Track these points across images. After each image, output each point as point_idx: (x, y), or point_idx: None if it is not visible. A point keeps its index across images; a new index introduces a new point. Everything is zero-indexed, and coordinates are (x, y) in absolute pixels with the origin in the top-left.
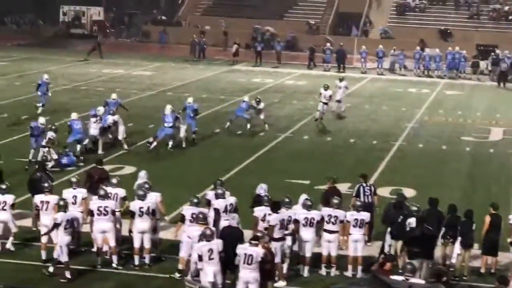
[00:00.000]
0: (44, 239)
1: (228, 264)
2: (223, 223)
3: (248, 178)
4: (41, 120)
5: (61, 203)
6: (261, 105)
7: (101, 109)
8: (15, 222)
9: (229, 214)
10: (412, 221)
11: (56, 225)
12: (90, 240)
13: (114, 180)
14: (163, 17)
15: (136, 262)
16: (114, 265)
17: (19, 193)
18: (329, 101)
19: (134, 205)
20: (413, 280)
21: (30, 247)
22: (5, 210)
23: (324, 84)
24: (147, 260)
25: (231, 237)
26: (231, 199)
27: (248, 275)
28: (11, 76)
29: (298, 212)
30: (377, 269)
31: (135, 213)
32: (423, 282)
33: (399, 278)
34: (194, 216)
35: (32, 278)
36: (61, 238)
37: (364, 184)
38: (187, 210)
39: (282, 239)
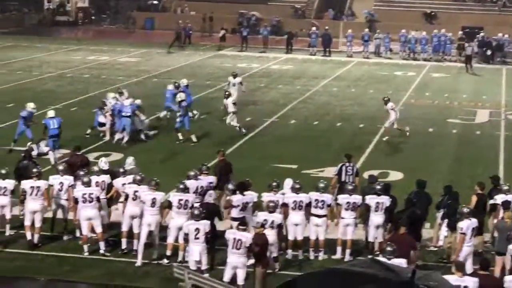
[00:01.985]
0: (27, 222)
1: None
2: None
3: (235, 163)
4: (31, 105)
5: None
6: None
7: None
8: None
9: (198, 196)
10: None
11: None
12: (75, 227)
13: (103, 165)
14: (154, 1)
15: (124, 245)
16: (101, 251)
17: None
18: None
19: (129, 188)
20: (395, 261)
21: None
22: (6, 195)
23: (225, 91)
24: (135, 246)
25: (207, 212)
26: (203, 182)
27: (236, 260)
28: None
29: (286, 195)
30: (392, 236)
31: (129, 196)
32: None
33: (399, 261)
34: (181, 202)
35: (24, 266)
36: None
37: (347, 164)
38: (174, 197)
39: (240, 219)
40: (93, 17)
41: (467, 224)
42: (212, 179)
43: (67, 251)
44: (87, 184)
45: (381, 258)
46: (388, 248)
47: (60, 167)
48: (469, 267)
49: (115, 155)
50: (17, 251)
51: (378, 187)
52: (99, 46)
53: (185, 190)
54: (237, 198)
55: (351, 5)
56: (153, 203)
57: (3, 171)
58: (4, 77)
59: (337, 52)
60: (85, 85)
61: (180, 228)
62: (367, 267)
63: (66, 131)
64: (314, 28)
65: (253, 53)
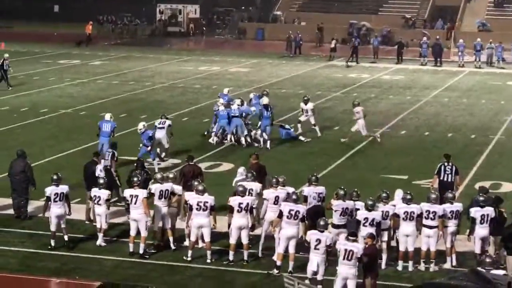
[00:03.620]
0: (131, 232)
1: None
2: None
3: (345, 174)
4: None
5: (54, 177)
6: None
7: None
8: (107, 218)
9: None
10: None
11: (47, 198)
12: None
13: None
14: (278, 12)
15: (231, 257)
16: (208, 260)
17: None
18: None
19: (234, 200)
20: (494, 272)
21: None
22: (100, 204)
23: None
24: (245, 257)
25: (315, 214)
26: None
27: (347, 271)
28: (110, 75)
29: (397, 206)
30: None
31: (234, 209)
32: None
33: (499, 272)
34: (291, 212)
35: (136, 274)
36: (52, 210)
37: (446, 163)
38: (285, 206)
39: (341, 226)
40: (204, 28)
41: None
42: (322, 189)
43: (178, 260)
44: (202, 192)
45: (481, 270)
46: (487, 260)
47: (158, 175)
48: None
49: (225, 165)
50: (132, 260)
51: (481, 198)
52: (210, 57)
53: (296, 200)
54: (337, 203)
55: (462, 15)
56: (276, 201)
57: (101, 181)
58: (118, 87)
59: (448, 62)
60: (196, 95)
61: (289, 238)
62: (464, 280)
63: (178, 141)
64: (425, 38)
65: (363, 63)
